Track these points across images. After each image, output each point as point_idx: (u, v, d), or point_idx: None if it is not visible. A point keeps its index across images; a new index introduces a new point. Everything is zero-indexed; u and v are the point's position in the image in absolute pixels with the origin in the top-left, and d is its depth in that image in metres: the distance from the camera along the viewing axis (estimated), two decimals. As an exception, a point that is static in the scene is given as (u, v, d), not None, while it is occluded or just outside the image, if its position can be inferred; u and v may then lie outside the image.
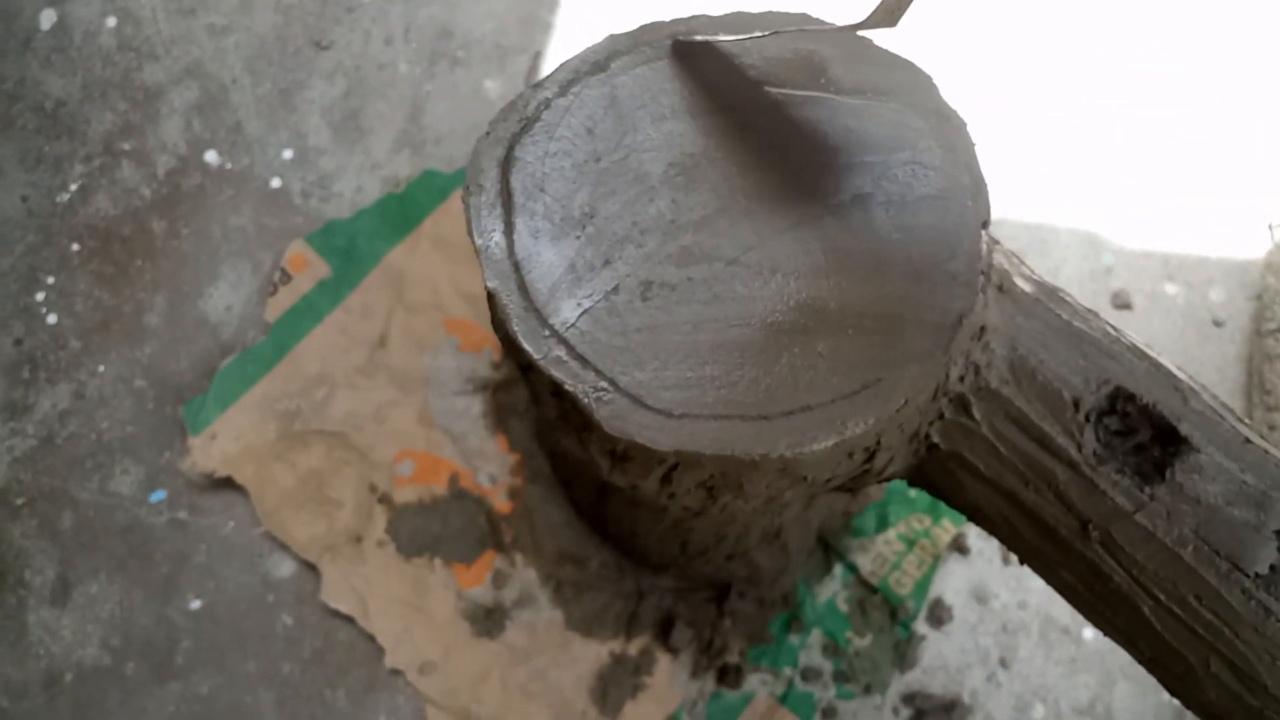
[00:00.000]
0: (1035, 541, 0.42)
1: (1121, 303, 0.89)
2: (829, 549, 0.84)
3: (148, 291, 0.88)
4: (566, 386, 0.37)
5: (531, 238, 0.39)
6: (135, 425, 0.85)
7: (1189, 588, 0.38)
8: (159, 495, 0.84)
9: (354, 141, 0.92)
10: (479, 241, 0.38)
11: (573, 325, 0.38)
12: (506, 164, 0.40)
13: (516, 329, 0.37)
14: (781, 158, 0.41)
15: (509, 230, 0.39)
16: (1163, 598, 0.39)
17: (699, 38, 0.41)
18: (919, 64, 0.43)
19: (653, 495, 0.43)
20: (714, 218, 0.40)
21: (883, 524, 0.84)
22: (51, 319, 0.87)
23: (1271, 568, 0.38)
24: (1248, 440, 0.39)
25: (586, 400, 0.36)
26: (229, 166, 0.91)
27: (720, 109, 0.42)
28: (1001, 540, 0.44)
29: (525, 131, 0.41)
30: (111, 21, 0.95)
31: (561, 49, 0.95)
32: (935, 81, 0.43)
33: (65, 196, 0.90)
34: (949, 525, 0.84)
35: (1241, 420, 0.41)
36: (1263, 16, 0.97)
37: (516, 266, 0.38)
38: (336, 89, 0.94)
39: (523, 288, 0.38)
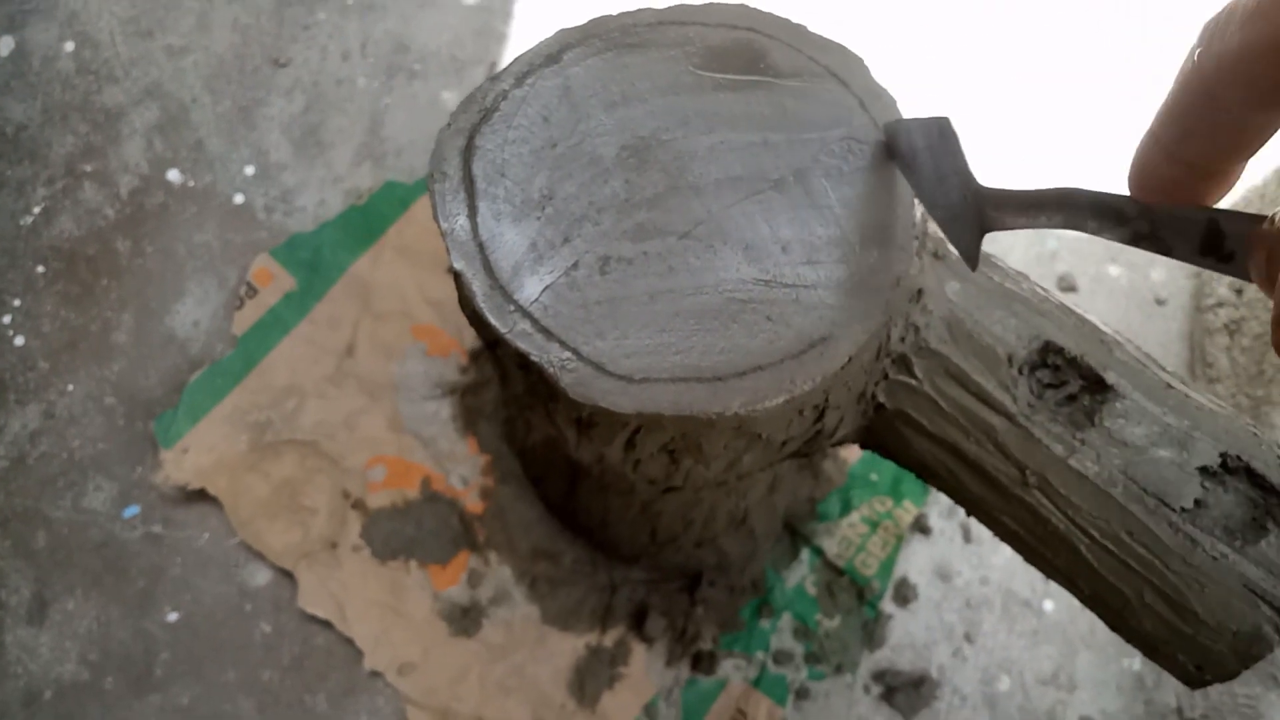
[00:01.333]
0: (979, 491, 0.44)
1: (1067, 285, 0.93)
2: (795, 534, 0.86)
3: (114, 310, 0.89)
4: (533, 357, 0.39)
5: (494, 220, 0.41)
6: (106, 442, 0.86)
7: (1121, 525, 0.41)
8: (132, 510, 0.85)
9: (315, 156, 0.94)
10: (444, 225, 0.41)
11: (536, 300, 0.40)
12: (468, 152, 0.42)
13: (483, 305, 0.39)
14: (725, 138, 0.43)
15: (473, 213, 0.41)
16: (1097, 536, 0.41)
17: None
18: (850, 47, 0.46)
19: (618, 465, 0.45)
20: (665, 196, 0.42)
21: (846, 508, 0.87)
22: (19, 341, 0.88)
23: (1196, 502, 0.41)
24: (1169, 385, 0.42)
25: (552, 370, 0.39)
26: (191, 184, 0.93)
27: (667, 94, 0.44)
28: (948, 493, 0.47)
29: (484, 121, 0.43)
30: (70, 46, 0.97)
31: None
32: (865, 62, 0.45)
33: (29, 219, 0.91)
34: (910, 506, 0.87)
35: (1162, 368, 0.44)
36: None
37: (481, 247, 0.40)
38: (296, 105, 0.96)
39: (488, 267, 0.40)
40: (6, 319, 0.89)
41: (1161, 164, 0.26)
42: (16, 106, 0.95)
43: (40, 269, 0.90)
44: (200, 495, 0.84)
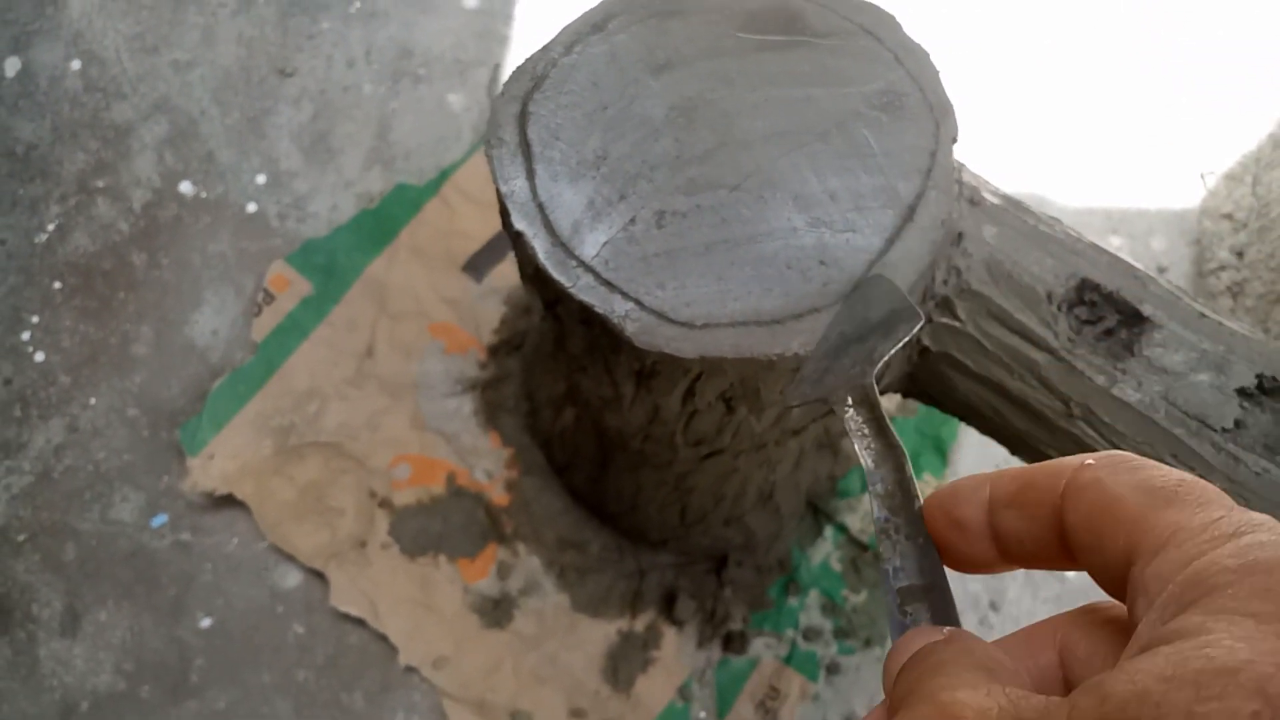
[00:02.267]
0: (1024, 426, 0.46)
1: (1066, 258, 0.95)
2: (818, 512, 0.87)
3: (133, 322, 0.90)
4: (597, 309, 0.40)
5: (551, 181, 0.43)
6: (131, 453, 0.86)
7: (1166, 448, 0.43)
8: (161, 519, 0.85)
9: (325, 162, 0.95)
10: (504, 188, 0.42)
11: (597, 255, 0.41)
12: (522, 118, 0.44)
13: (546, 262, 0.41)
14: (769, 95, 0.45)
15: (530, 176, 0.42)
16: (1144, 460, 0.43)
17: None
18: (881, 6, 0.48)
19: (672, 421, 0.46)
20: (715, 151, 0.44)
21: (866, 484, 0.88)
22: (39, 357, 0.89)
23: (1236, 422, 0.42)
24: (1203, 314, 0.44)
25: (617, 320, 0.40)
26: (204, 195, 0.94)
27: (710, 57, 0.46)
28: (992, 434, 0.48)
29: (537, 88, 0.45)
30: (76, 64, 0.98)
31: (520, 59, 0.99)
32: (897, 19, 0.47)
33: (43, 237, 0.92)
34: (930, 479, 0.88)
35: (1195, 299, 0.45)
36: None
37: (541, 207, 0.42)
38: (304, 113, 0.97)
39: (548, 226, 0.41)
40: (25, 335, 0.89)
41: (973, 509, 0.23)
42: (26, 126, 0.95)
43: (57, 285, 0.91)
44: (227, 501, 0.85)
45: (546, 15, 1.01)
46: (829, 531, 0.87)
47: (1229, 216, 0.91)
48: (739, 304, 0.41)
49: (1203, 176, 0.97)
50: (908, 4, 1.01)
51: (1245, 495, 0.42)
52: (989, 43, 1.03)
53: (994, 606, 0.85)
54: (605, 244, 0.41)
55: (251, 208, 0.94)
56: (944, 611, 0.24)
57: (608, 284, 0.41)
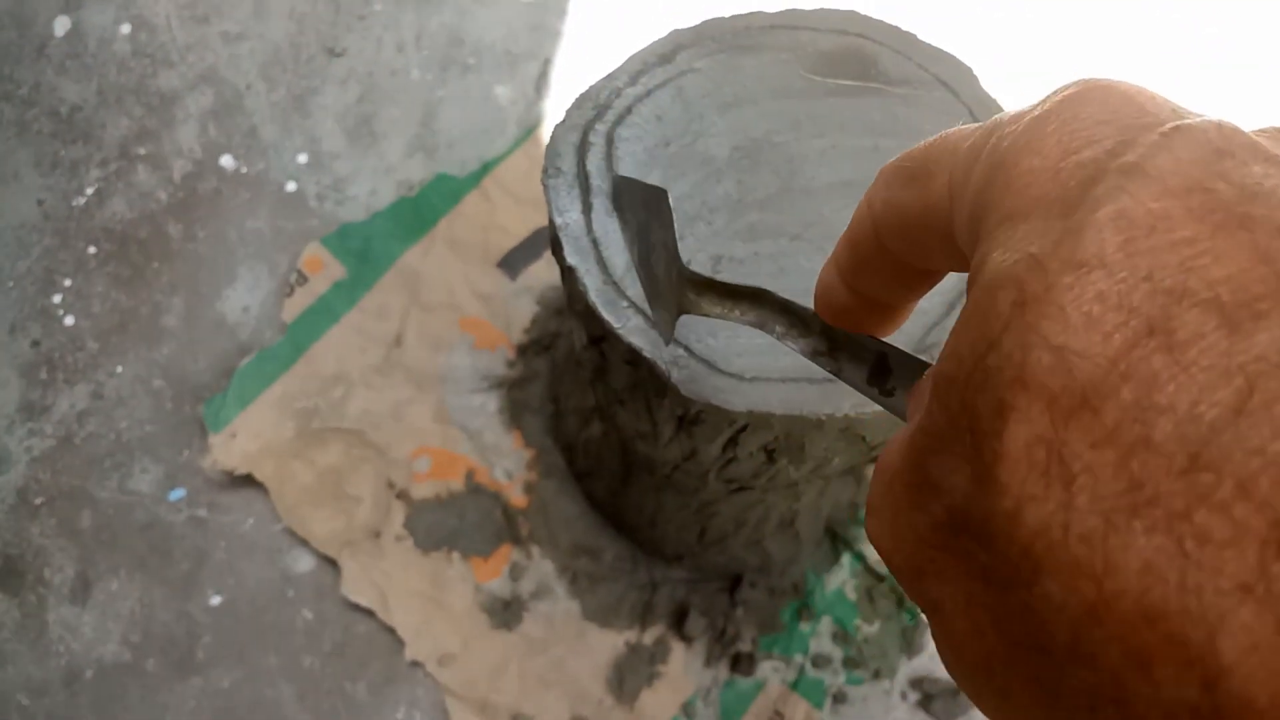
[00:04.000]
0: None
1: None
2: (837, 538, 0.86)
3: (165, 293, 0.90)
4: (645, 354, 0.39)
5: (608, 216, 0.41)
6: (154, 425, 0.86)
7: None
8: (178, 493, 0.85)
9: (368, 146, 0.94)
10: (559, 220, 0.41)
11: (649, 297, 0.40)
12: (582, 148, 0.43)
13: (596, 300, 0.40)
14: (837, 142, 0.44)
15: (587, 210, 0.41)
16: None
17: None
18: (959, 57, 0.46)
19: (709, 463, 0.45)
20: (777, 197, 0.42)
21: (888, 514, 0.87)
22: (69, 321, 0.88)
23: None
24: None
25: (664, 366, 0.39)
26: (244, 170, 0.93)
27: (779, 97, 0.45)
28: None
29: (599, 119, 0.44)
30: (126, 28, 0.97)
31: (571, 55, 0.98)
32: (974, 72, 0.46)
33: (81, 200, 0.92)
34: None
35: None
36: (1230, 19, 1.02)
37: (595, 243, 0.41)
38: (350, 95, 0.96)
39: (601, 263, 0.40)
40: (57, 298, 0.89)
41: (839, 289, 0.25)
42: (72, 87, 0.95)
43: (92, 250, 0.90)
44: (246, 480, 0.84)
45: (601, 12, 0.99)
46: (846, 559, 0.86)
47: None
48: (791, 359, 0.40)
49: None
50: (1000, 22, 1.00)
51: None
52: (1079, 71, 1.01)
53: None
54: (658, 286, 0.40)
55: (291, 186, 0.93)
56: (888, 365, 0.26)
57: (658, 328, 0.40)
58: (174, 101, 0.95)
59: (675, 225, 0.35)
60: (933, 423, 0.17)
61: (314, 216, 0.92)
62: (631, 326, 0.40)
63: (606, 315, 0.40)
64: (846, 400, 0.39)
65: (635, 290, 0.40)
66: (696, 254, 0.41)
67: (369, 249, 0.91)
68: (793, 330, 0.28)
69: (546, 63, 0.98)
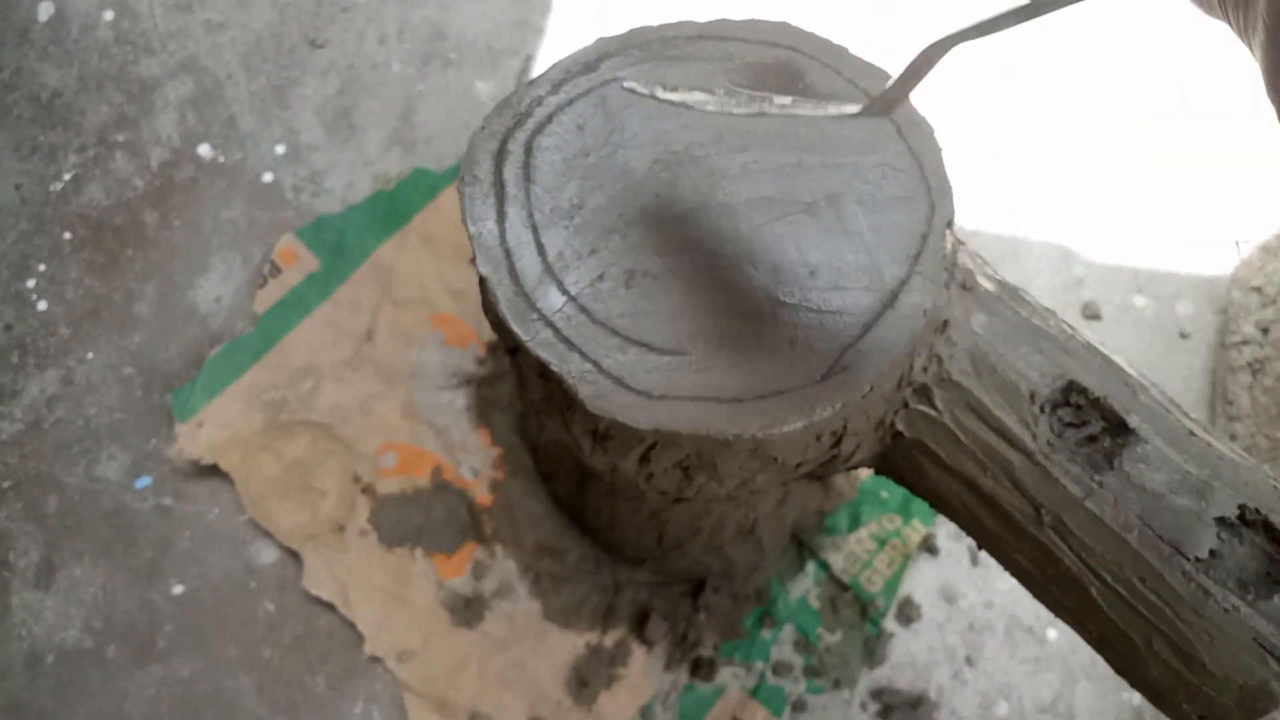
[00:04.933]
0: (992, 526, 0.44)
1: (1091, 313, 0.92)
2: (802, 546, 0.86)
3: (138, 281, 0.90)
4: (553, 368, 0.39)
5: (522, 226, 0.41)
6: (123, 412, 0.86)
7: (1134, 570, 0.41)
8: (144, 481, 0.85)
9: (346, 139, 0.94)
10: (472, 229, 0.40)
11: (559, 310, 0.40)
12: (500, 156, 0.42)
13: (506, 312, 0.39)
14: (759, 156, 0.43)
15: (501, 219, 0.41)
16: (1109, 579, 0.41)
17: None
18: (890, 71, 0.45)
19: (631, 476, 0.45)
20: (695, 212, 0.42)
21: (855, 523, 0.86)
22: (42, 305, 0.89)
23: (1211, 552, 0.40)
24: (1191, 433, 0.42)
25: (571, 381, 0.39)
26: (222, 160, 0.93)
27: (703, 110, 0.44)
28: (961, 526, 0.47)
29: (519, 126, 0.43)
30: (109, 15, 0.97)
31: (553, 52, 0.97)
32: (906, 89, 0.45)
33: (59, 185, 0.92)
34: (919, 526, 0.86)
35: (1186, 415, 0.43)
36: (1231, 40, 1.00)
37: (508, 254, 0.40)
38: (330, 87, 0.96)
39: (513, 274, 0.40)
40: (31, 283, 0.89)
41: None
42: (53, 72, 0.95)
43: (67, 235, 0.90)
44: (212, 470, 0.85)
45: (584, 9, 0.99)
46: (811, 567, 0.86)
47: (1259, 290, 0.88)
48: (700, 377, 0.39)
49: (1238, 245, 0.94)
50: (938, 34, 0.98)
51: (1210, 631, 0.40)
52: (1033, 89, 0.99)
53: (969, 662, 0.83)
54: (569, 299, 0.40)
55: (268, 177, 0.93)
56: None
57: (567, 341, 0.39)
58: (154, 89, 0.95)
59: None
60: None
61: (290, 208, 0.92)
62: (540, 340, 0.39)
63: (515, 327, 0.39)
64: (754, 421, 0.38)
65: (547, 303, 0.40)
66: (610, 268, 0.41)
67: (343, 242, 0.91)
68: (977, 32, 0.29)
69: (528, 59, 0.97)
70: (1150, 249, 0.94)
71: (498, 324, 0.40)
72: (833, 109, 0.38)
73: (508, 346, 0.42)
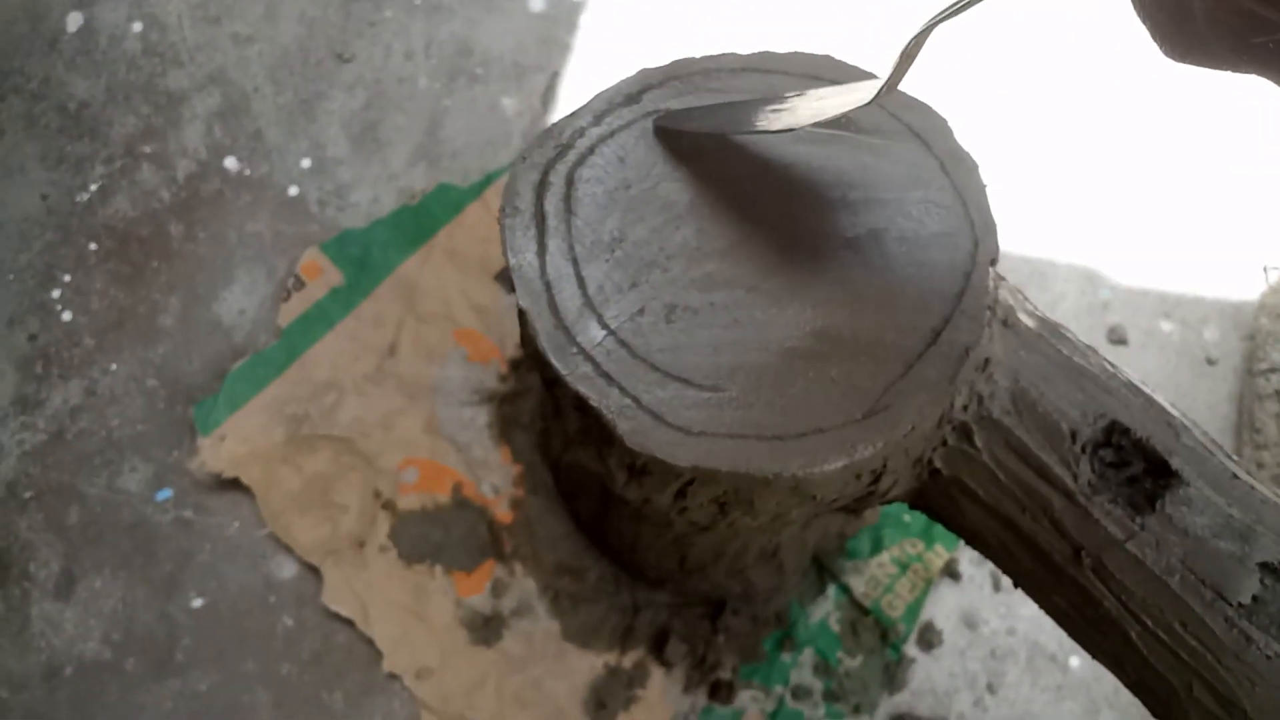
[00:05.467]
0: (1030, 566, 0.44)
1: (1118, 338, 0.91)
2: (823, 570, 0.85)
3: (163, 293, 0.90)
4: (591, 402, 0.38)
5: (563, 259, 0.41)
6: (145, 424, 0.87)
7: (1175, 615, 0.40)
8: (166, 494, 0.85)
9: (371, 153, 0.94)
10: (513, 261, 0.40)
11: (599, 344, 0.39)
12: (541, 187, 0.42)
13: (545, 345, 0.39)
14: (802, 191, 0.43)
15: (542, 251, 0.41)
16: (1149, 623, 0.41)
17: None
18: (933, 106, 0.45)
19: (665, 509, 0.44)
20: (737, 246, 0.42)
21: (877, 547, 0.86)
22: (66, 316, 0.89)
23: (1254, 598, 0.40)
24: (1235, 476, 0.42)
25: (610, 416, 0.38)
26: (248, 173, 0.93)
27: (746, 143, 0.44)
28: (997, 564, 0.46)
29: (560, 158, 0.43)
30: (137, 26, 0.97)
31: (579, 70, 0.97)
32: (949, 124, 0.45)
33: (85, 196, 0.92)
34: (942, 550, 0.86)
35: (1230, 456, 0.43)
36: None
37: (548, 286, 0.40)
38: (356, 101, 0.96)
39: (553, 306, 0.40)
40: (56, 293, 0.89)
41: None
42: (81, 83, 0.95)
43: (92, 246, 0.91)
44: (233, 484, 0.85)
45: (611, 28, 0.99)
46: (832, 591, 0.85)
47: (1290, 318, 0.87)
48: (740, 414, 0.39)
49: (1266, 270, 0.93)
50: (975, 64, 0.98)
51: (1252, 678, 0.39)
52: (1057, 111, 0.99)
53: (991, 689, 0.83)
54: (609, 333, 0.40)
55: (293, 191, 0.93)
56: None
57: (606, 376, 0.39)
58: (181, 101, 0.95)
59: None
60: None
61: (314, 222, 0.92)
62: (579, 374, 0.39)
63: (555, 360, 0.39)
64: (794, 460, 0.38)
65: (587, 337, 0.40)
66: (651, 302, 0.40)
67: (368, 256, 0.91)
68: None
69: (554, 76, 0.97)
70: (1177, 273, 0.94)
71: (537, 358, 0.40)
72: (852, 96, 0.38)
73: (545, 379, 0.42)
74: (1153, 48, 0.30)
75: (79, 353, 0.88)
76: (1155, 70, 1.01)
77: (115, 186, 0.92)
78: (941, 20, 0.32)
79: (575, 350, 0.39)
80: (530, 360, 0.42)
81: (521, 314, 0.40)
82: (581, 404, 0.39)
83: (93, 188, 0.92)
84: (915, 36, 0.33)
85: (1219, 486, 0.41)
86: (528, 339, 0.40)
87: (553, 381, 0.41)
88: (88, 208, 0.92)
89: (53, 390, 0.87)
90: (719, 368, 0.40)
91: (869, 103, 0.37)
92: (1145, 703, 0.44)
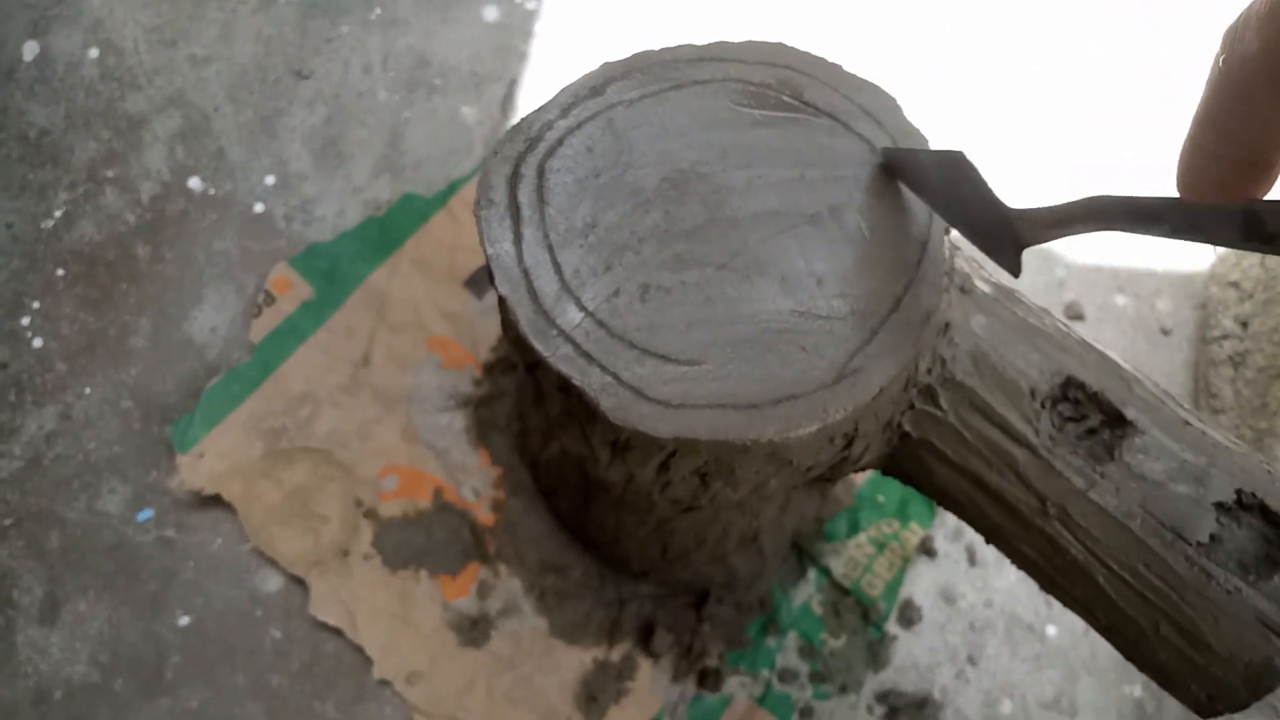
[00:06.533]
0: (999, 521, 0.46)
1: (1074, 314, 0.94)
2: (803, 553, 0.87)
3: (133, 315, 0.90)
4: (574, 381, 0.40)
5: (538, 246, 0.42)
6: (122, 445, 0.87)
7: (1138, 557, 0.42)
8: (146, 514, 0.85)
9: (335, 167, 0.95)
10: (490, 250, 0.42)
11: (578, 325, 0.41)
12: (514, 179, 0.44)
13: (527, 330, 0.40)
14: (764, 172, 0.45)
15: (518, 240, 0.42)
16: (1115, 567, 0.43)
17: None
18: (883, 87, 0.47)
19: (648, 486, 0.46)
20: (704, 227, 0.43)
21: (854, 528, 0.88)
22: (37, 343, 0.89)
23: (1212, 536, 0.42)
24: (1187, 422, 0.44)
25: (592, 393, 0.40)
26: (212, 192, 0.94)
27: (706, 129, 0.46)
28: (969, 522, 0.48)
29: (530, 150, 0.44)
30: (94, 53, 0.98)
31: (536, 76, 0.99)
32: (899, 103, 0.47)
33: (50, 223, 0.92)
34: (917, 528, 0.88)
35: (1181, 405, 0.45)
36: (1198, 40, 1.04)
37: (526, 273, 0.42)
38: (317, 116, 0.97)
39: (532, 292, 0.41)
40: (25, 321, 0.89)
41: (1206, 165, 0.27)
42: (40, 111, 0.95)
43: (60, 272, 0.91)
44: (214, 500, 0.85)
45: (566, 34, 1.00)
46: (812, 574, 0.87)
47: (1236, 285, 0.90)
48: (717, 385, 0.40)
49: None
50: (920, 46, 1.01)
51: (1214, 613, 0.41)
52: (1004, 94, 1.02)
53: (972, 661, 0.85)
54: (587, 315, 0.41)
55: (259, 208, 0.94)
56: None
57: (587, 355, 0.40)
58: (141, 124, 0.95)
59: (980, 175, 0.38)
60: None
61: (281, 237, 0.93)
62: (561, 355, 0.40)
63: (536, 343, 0.40)
64: (770, 426, 0.39)
65: (566, 319, 0.41)
66: (625, 283, 0.42)
67: (336, 269, 0.92)
68: (1141, 223, 0.29)
69: (512, 83, 0.99)
70: (1129, 249, 0.97)
71: (519, 342, 0.41)
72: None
73: (527, 363, 0.43)
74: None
75: (51, 378, 0.88)
76: (1096, 54, 1.04)
77: (80, 212, 0.93)
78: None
79: (555, 333, 0.41)
80: (512, 345, 0.43)
81: (502, 301, 0.41)
82: (564, 384, 0.41)
83: (57, 214, 0.92)
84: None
85: (1172, 433, 0.43)
86: (509, 325, 0.42)
87: (535, 365, 0.42)
88: (53, 234, 0.92)
89: (27, 417, 0.87)
90: (694, 343, 0.41)
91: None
92: (1117, 645, 0.46)
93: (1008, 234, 0.38)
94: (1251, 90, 0.25)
